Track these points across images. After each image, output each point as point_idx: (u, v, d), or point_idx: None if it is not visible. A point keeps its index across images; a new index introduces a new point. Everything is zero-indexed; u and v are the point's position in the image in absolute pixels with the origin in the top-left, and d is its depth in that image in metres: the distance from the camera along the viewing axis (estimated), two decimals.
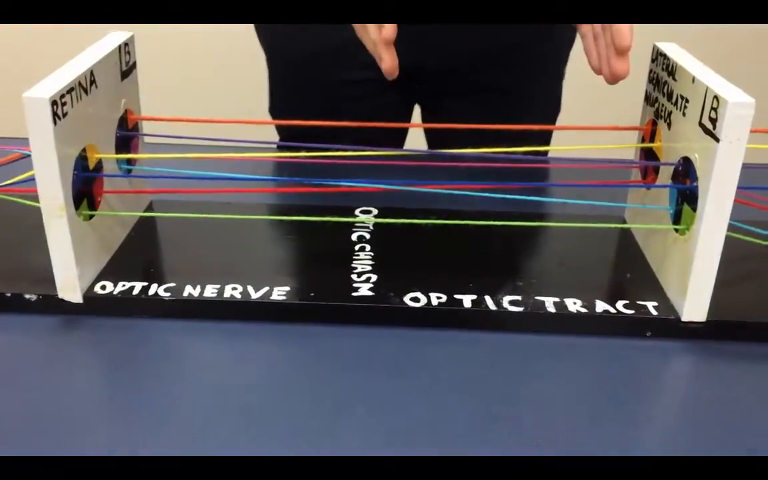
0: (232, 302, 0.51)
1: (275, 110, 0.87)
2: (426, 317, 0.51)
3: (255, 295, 0.51)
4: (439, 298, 0.51)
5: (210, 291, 0.52)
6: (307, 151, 0.55)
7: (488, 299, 0.51)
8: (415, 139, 0.91)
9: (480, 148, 0.54)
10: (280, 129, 0.88)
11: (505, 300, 0.51)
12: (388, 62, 0.54)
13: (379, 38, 0.54)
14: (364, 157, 0.56)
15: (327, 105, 0.81)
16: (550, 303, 0.51)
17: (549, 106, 0.85)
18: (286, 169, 0.70)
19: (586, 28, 0.56)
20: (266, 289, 0.52)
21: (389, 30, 0.52)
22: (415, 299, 0.51)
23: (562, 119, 0.86)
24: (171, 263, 0.57)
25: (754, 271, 0.55)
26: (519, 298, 0.51)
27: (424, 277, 0.53)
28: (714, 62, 0.52)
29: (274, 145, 0.84)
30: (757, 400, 0.45)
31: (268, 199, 0.65)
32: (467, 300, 0.51)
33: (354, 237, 0.59)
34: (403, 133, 0.88)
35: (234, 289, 0.52)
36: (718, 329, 0.49)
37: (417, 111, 0.88)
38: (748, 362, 0.48)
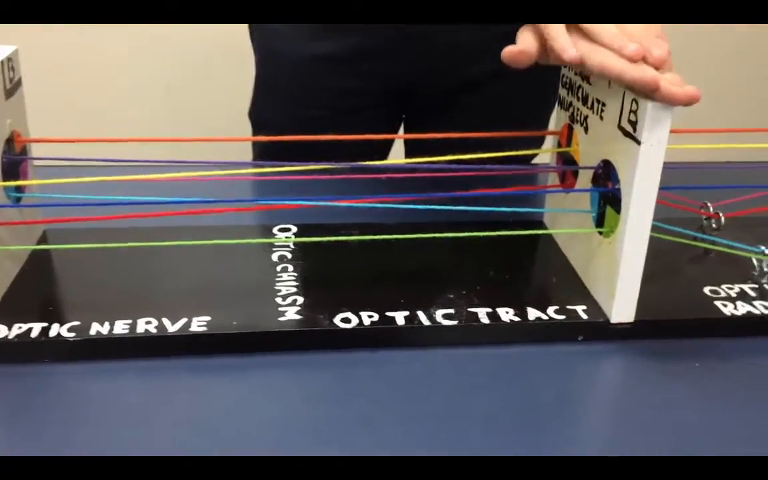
0: (146, 338, 0.47)
1: (255, 114, 0.84)
2: (359, 338, 0.48)
3: (172, 328, 0.47)
4: (370, 316, 0.49)
5: (121, 327, 0.47)
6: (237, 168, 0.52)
7: (421, 315, 0.50)
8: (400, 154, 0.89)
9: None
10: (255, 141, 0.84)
11: (438, 314, 0.50)
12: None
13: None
14: (289, 173, 0.53)
15: (314, 113, 0.79)
16: (483, 314, 0.50)
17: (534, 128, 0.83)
18: (199, 189, 0.65)
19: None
20: (184, 320, 0.48)
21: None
22: (346, 320, 0.49)
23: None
24: (73, 299, 0.51)
25: (675, 269, 0.56)
26: (452, 311, 0.50)
27: (353, 296, 0.51)
28: None
29: (187, 164, 0.79)
30: (686, 397, 0.46)
31: (176, 221, 0.61)
32: (400, 317, 0.49)
33: (275, 257, 0.56)
34: (387, 147, 0.87)
35: (148, 323, 0.48)
36: (646, 329, 0.50)
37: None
38: (676, 359, 0.49)
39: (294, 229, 0.60)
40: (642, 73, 0.45)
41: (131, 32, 1.45)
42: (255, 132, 0.84)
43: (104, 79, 1.51)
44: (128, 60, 1.51)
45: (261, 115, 0.83)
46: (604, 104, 0.51)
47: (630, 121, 0.47)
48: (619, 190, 0.49)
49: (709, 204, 0.63)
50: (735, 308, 0.51)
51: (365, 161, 0.56)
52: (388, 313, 0.49)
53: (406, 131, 0.86)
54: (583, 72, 0.54)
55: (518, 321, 0.50)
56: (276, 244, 0.58)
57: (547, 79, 0.78)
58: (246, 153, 0.86)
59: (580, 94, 0.55)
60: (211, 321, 0.48)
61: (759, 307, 0.52)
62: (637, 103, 0.46)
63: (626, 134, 0.48)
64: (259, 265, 0.55)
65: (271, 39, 0.78)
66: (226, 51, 1.42)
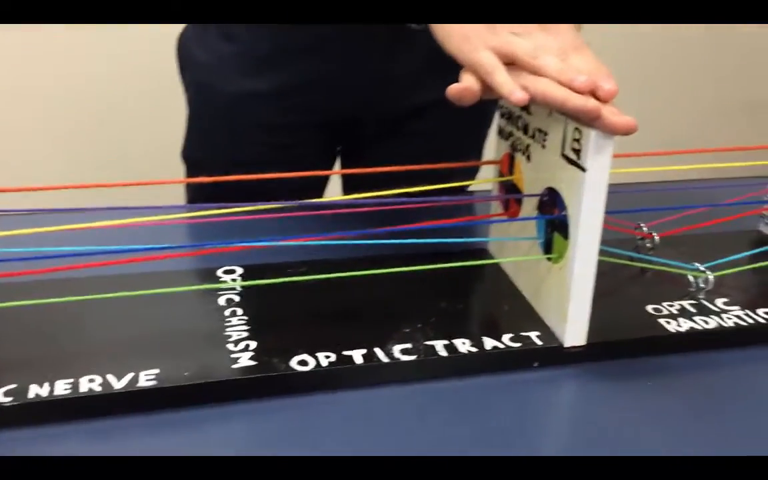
0: (91, 397, 0.44)
1: (190, 154, 0.81)
2: (317, 381, 0.47)
3: (118, 384, 0.45)
4: (327, 357, 0.48)
5: (62, 387, 0.44)
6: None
7: (379, 351, 0.49)
8: (337, 189, 0.88)
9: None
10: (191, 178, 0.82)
11: (396, 349, 0.49)
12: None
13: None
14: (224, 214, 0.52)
15: (249, 150, 0.77)
16: (440, 346, 0.50)
17: (470, 157, 0.84)
18: (132, 236, 0.63)
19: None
20: (131, 375, 0.45)
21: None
22: (303, 362, 0.47)
23: None
24: (6, 359, 0.48)
25: (616, 290, 0.58)
26: (409, 345, 0.50)
27: (308, 337, 0.50)
28: None
29: (120, 210, 0.76)
30: (643, 415, 0.47)
31: (113, 271, 0.58)
32: (357, 355, 0.48)
33: (221, 301, 0.54)
34: (324, 182, 0.85)
35: (91, 380, 0.45)
36: (598, 350, 0.51)
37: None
38: (629, 378, 0.50)
39: (239, 270, 0.58)
40: (585, 101, 0.47)
41: (39, 71, 1.39)
42: (189, 172, 0.81)
43: (10, 121, 1.44)
44: (36, 102, 1.45)
45: (195, 155, 0.81)
46: (545, 133, 0.52)
47: (573, 149, 0.49)
48: (566, 216, 0.50)
49: (642, 225, 0.65)
50: (678, 325, 0.53)
51: (302, 198, 0.55)
52: (345, 352, 0.48)
53: (343, 164, 0.86)
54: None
55: (475, 351, 0.49)
56: (222, 287, 0.56)
57: (484, 106, 0.80)
58: (175, 195, 0.83)
59: (520, 124, 0.56)
60: (160, 374, 0.46)
61: (700, 323, 0.54)
62: (580, 131, 0.48)
63: (570, 162, 0.49)
64: (205, 310, 0.53)
65: (203, 75, 0.77)
66: (150, 89, 1.38)
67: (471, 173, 0.81)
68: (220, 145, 0.78)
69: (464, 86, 0.50)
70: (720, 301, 0.56)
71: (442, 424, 0.45)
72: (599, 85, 0.47)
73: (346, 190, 0.87)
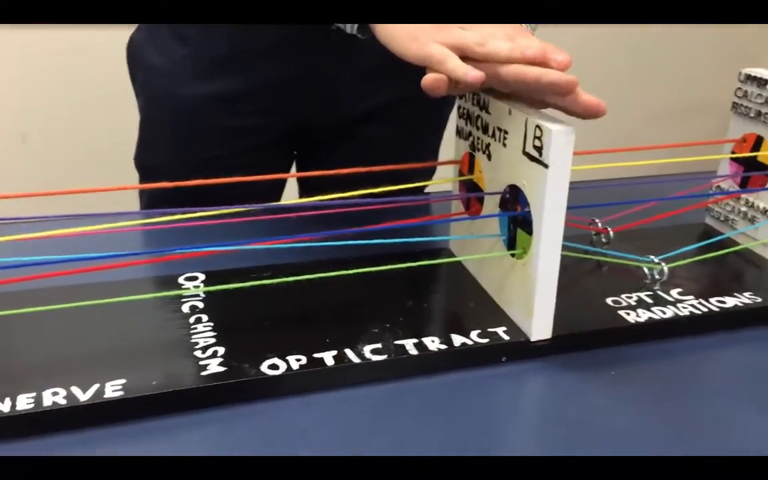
0: (56, 411, 0.42)
1: (144, 161, 0.79)
2: (289, 385, 0.47)
3: (84, 396, 0.43)
4: (298, 360, 0.48)
5: (24, 402, 0.42)
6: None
7: (349, 352, 0.49)
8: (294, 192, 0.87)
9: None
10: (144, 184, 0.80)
11: (366, 350, 0.49)
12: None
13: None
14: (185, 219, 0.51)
15: (205, 154, 0.76)
16: (410, 345, 0.50)
17: (425, 158, 0.85)
18: (89, 244, 0.61)
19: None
20: (96, 386, 0.44)
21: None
22: (274, 366, 0.47)
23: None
24: None
25: (576, 284, 0.59)
26: (379, 345, 0.50)
27: (277, 341, 0.49)
28: None
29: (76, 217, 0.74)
30: (608, 403, 0.48)
31: (72, 280, 0.56)
32: (329, 357, 0.48)
33: (185, 308, 0.53)
34: (281, 185, 0.85)
35: (55, 393, 0.43)
36: (563, 343, 0.52)
37: None
38: (594, 369, 0.51)
39: (202, 276, 0.57)
40: (560, 75, 0.48)
41: None
42: (143, 179, 0.79)
43: None
44: None
45: (149, 162, 0.79)
46: (506, 132, 0.53)
47: (535, 147, 0.50)
48: (529, 212, 0.51)
49: (597, 220, 0.67)
50: (637, 316, 0.55)
51: (260, 203, 0.54)
52: (316, 355, 0.48)
53: (298, 168, 0.86)
54: (489, 94, 0.55)
55: (445, 349, 0.50)
56: (185, 294, 0.54)
57: (437, 109, 0.81)
58: (128, 201, 0.81)
59: (479, 124, 0.57)
60: (126, 384, 0.45)
61: (657, 313, 0.55)
62: (541, 129, 0.49)
63: (532, 159, 0.50)
64: (170, 318, 0.52)
65: (155, 78, 0.75)
66: (99, 95, 1.35)
67: (429, 174, 0.82)
68: (174, 151, 0.76)
69: (437, 77, 0.51)
70: (674, 292, 0.58)
71: (415, 423, 0.46)
72: (551, 56, 0.49)
73: (303, 194, 0.87)
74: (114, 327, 0.51)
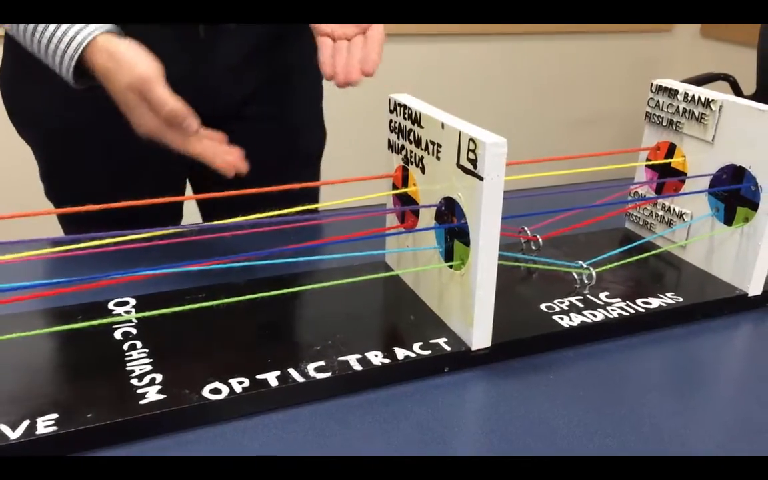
0: None
1: (55, 193, 0.77)
2: (233, 408, 0.45)
3: (14, 434, 0.41)
4: (241, 383, 0.47)
5: None
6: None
7: (293, 372, 0.48)
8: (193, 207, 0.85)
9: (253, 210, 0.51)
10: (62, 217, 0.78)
11: (310, 368, 0.49)
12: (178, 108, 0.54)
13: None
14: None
15: (98, 179, 0.74)
16: (353, 361, 0.50)
17: (316, 130, 0.87)
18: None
19: (324, 38, 0.59)
20: (26, 423, 0.42)
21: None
22: (216, 391, 0.46)
23: (327, 172, 0.85)
24: None
25: (509, 291, 0.61)
26: (323, 363, 0.49)
27: (217, 364, 0.48)
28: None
29: None
30: (550, 406, 0.49)
31: None
32: (272, 378, 0.47)
33: (118, 335, 0.51)
34: (179, 208, 0.83)
35: None
36: (503, 351, 0.53)
37: None
38: (534, 373, 0.53)
39: (133, 301, 0.55)
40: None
41: None
42: (58, 205, 0.76)
43: None
44: None
45: (56, 193, 0.77)
46: (439, 145, 0.54)
47: (470, 160, 0.51)
48: (466, 224, 0.52)
49: (526, 228, 0.69)
50: (570, 320, 0.57)
51: (164, 220, 0.53)
52: (259, 376, 0.47)
53: (191, 177, 0.84)
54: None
55: (388, 362, 0.50)
56: (117, 321, 0.52)
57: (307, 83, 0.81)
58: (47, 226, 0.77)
59: (412, 137, 0.58)
60: (59, 418, 0.42)
61: (589, 317, 0.57)
62: (475, 142, 0.50)
63: (467, 172, 0.51)
64: (101, 346, 0.50)
65: (32, 115, 0.74)
66: None
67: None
68: (70, 180, 0.75)
69: None
70: (603, 295, 0.61)
71: (362, 438, 0.45)
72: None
73: (204, 207, 0.86)
74: (42, 359, 0.48)
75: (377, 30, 0.62)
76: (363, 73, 0.60)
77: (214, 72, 0.73)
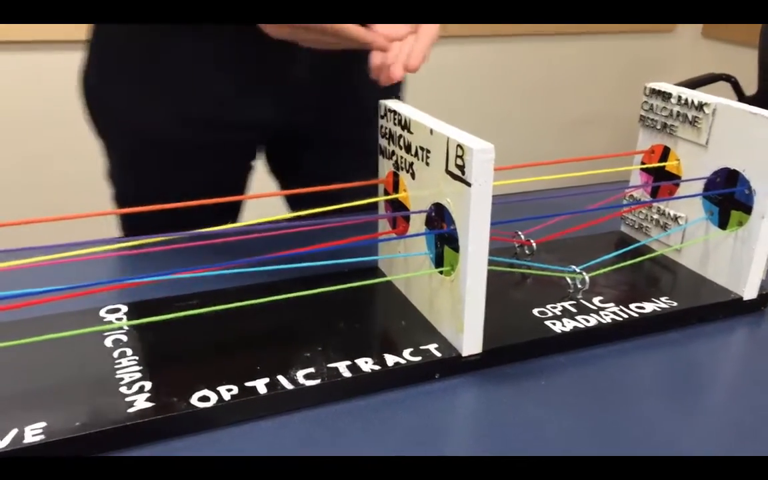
0: None
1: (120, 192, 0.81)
2: (221, 416, 0.45)
3: (1, 443, 0.41)
4: (230, 390, 0.47)
5: None
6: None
7: (282, 379, 0.48)
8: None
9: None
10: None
11: (299, 375, 0.49)
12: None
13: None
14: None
15: (173, 172, 0.76)
16: (343, 367, 0.50)
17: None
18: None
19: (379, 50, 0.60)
20: (14, 432, 0.42)
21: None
22: (204, 398, 0.46)
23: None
24: None
25: (502, 296, 0.61)
26: (312, 370, 0.49)
27: (206, 371, 0.48)
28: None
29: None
30: (542, 412, 0.49)
31: None
32: (261, 385, 0.47)
33: (108, 343, 0.51)
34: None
35: None
36: (494, 356, 0.53)
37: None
38: (525, 379, 0.52)
39: (124, 308, 0.55)
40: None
41: None
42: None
43: None
44: None
45: (123, 190, 0.81)
46: (428, 151, 0.54)
47: (458, 166, 0.50)
48: (455, 229, 0.52)
49: (520, 233, 0.69)
50: (563, 325, 0.56)
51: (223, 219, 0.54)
52: (248, 384, 0.47)
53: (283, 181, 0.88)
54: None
55: (378, 369, 0.50)
56: (108, 328, 0.52)
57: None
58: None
59: (401, 143, 0.58)
60: (48, 427, 0.42)
61: (582, 322, 0.57)
62: (462, 148, 0.50)
63: (455, 177, 0.51)
64: (91, 354, 0.50)
65: (114, 104, 0.75)
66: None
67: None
68: (152, 180, 0.77)
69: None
70: (596, 300, 0.60)
71: (352, 445, 0.45)
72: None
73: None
74: (32, 366, 0.48)
75: (429, 26, 0.61)
76: (406, 68, 0.59)
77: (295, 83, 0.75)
